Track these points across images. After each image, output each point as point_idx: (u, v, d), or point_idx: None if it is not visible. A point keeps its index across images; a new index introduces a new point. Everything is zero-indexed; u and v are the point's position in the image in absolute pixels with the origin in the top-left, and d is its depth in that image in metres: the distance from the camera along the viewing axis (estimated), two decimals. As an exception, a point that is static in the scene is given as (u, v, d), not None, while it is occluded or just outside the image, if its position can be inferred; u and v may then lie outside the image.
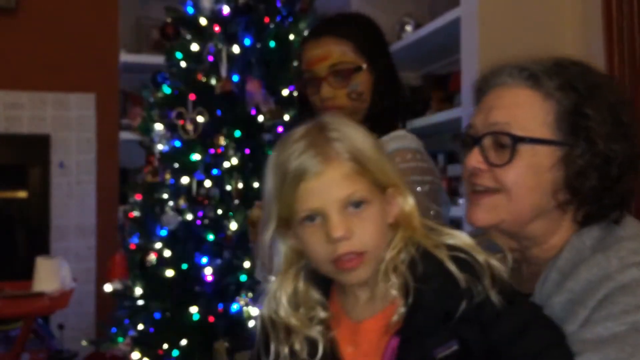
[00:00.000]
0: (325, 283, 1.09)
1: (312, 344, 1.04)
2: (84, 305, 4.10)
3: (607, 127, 1.11)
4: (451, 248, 1.03)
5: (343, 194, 1.00)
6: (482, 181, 1.17)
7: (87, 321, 4.11)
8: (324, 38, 1.67)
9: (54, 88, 4.21)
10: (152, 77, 3.13)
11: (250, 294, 2.69)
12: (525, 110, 1.14)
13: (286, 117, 2.82)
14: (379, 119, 1.65)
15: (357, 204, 1.01)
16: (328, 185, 1.00)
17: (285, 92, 2.86)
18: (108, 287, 3.05)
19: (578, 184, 1.12)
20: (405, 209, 1.07)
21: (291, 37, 2.90)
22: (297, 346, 1.04)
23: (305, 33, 2.88)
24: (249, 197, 2.67)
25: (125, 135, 4.29)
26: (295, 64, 2.88)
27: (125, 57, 4.35)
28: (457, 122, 3.08)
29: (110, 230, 4.09)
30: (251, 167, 2.78)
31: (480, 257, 1.01)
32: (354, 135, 1.04)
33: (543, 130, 1.13)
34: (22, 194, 4.32)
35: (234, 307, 2.69)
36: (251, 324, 2.67)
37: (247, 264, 2.68)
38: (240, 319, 2.68)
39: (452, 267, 1.00)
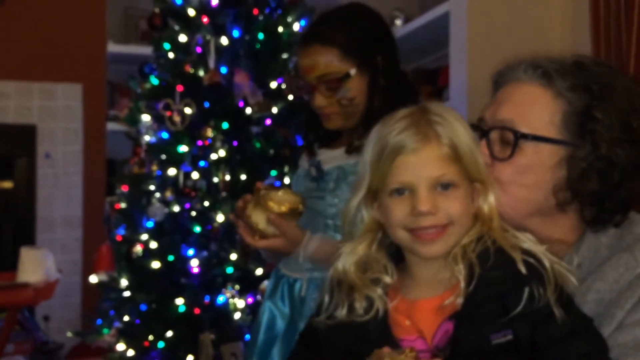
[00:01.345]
0: (393, 260, 1.14)
1: (370, 304, 1.08)
2: (70, 296, 4.09)
3: (614, 131, 1.11)
4: (524, 252, 1.05)
5: (435, 173, 1.05)
6: None
7: (73, 312, 4.10)
8: (310, 46, 1.64)
9: (40, 78, 4.18)
10: (140, 68, 3.10)
11: (236, 286, 2.70)
12: (533, 108, 1.15)
13: (274, 110, 2.81)
14: (378, 117, 1.64)
15: (446, 185, 1.06)
16: (422, 163, 1.05)
17: (273, 85, 2.85)
18: (94, 279, 3.05)
19: (579, 185, 1.12)
20: (487, 207, 1.10)
21: (280, 29, 2.89)
22: (357, 304, 1.09)
23: (295, 25, 2.90)
24: (236, 189, 2.66)
25: (112, 126, 4.27)
26: (284, 56, 2.88)
27: (113, 48, 4.33)
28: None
29: (96, 222, 4.07)
30: (238, 159, 2.78)
31: (547, 263, 1.04)
32: (455, 124, 1.08)
33: (549, 129, 1.13)
34: (7, 185, 4.29)
35: (220, 299, 2.69)
36: (237, 316, 2.67)
37: (233, 256, 2.68)
38: (226, 311, 2.68)
39: (523, 269, 1.02)
